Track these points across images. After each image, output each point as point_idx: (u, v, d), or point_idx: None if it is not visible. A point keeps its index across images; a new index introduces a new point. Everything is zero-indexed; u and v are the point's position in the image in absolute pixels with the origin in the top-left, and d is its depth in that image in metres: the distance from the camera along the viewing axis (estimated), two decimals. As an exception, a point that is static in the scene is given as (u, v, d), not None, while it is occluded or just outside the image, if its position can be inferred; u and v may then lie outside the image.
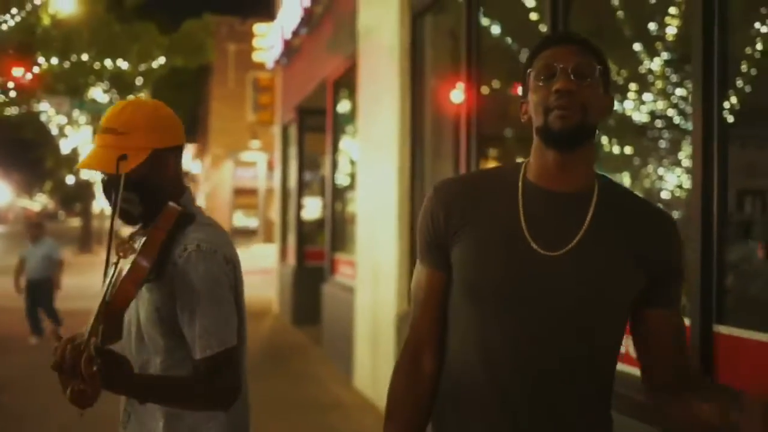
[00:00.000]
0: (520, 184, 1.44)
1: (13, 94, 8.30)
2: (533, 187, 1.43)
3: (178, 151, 1.81)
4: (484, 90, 4.92)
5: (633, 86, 4.39)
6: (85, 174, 27.08)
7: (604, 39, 4.31)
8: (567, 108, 1.35)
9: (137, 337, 1.79)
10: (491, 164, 5.83)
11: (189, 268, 1.67)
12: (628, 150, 4.71)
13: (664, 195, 4.40)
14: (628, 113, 4.49)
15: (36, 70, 8.51)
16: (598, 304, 1.38)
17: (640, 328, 1.47)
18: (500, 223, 1.41)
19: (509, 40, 4.97)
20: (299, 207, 10.82)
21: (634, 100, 4.40)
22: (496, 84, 5.29)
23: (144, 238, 1.69)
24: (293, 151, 10.99)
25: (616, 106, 4.45)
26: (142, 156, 1.72)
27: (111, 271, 1.58)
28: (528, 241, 1.38)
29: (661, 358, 1.47)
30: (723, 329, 2.58)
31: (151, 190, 1.75)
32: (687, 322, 2.67)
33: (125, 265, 1.63)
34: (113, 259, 1.62)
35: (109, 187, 1.74)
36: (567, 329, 1.37)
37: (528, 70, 1.44)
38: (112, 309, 1.55)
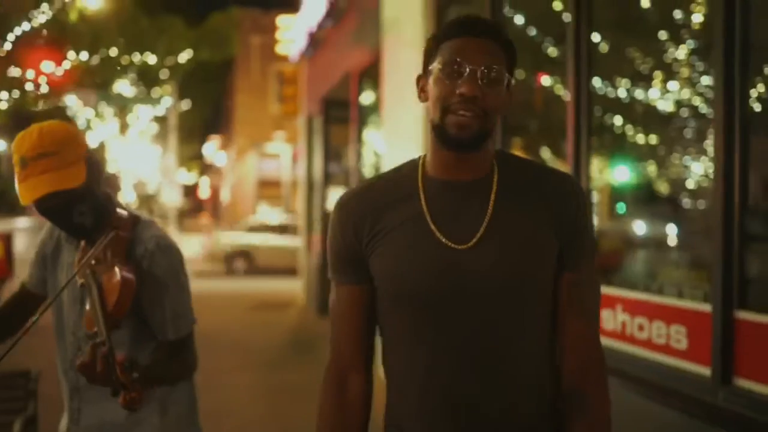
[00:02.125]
0: (419, 180, 1.41)
1: (45, 89, 8.46)
2: (433, 181, 1.40)
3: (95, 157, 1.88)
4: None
5: (658, 75, 4.39)
6: (113, 167, 27.46)
7: (628, 27, 4.31)
8: (467, 115, 1.30)
9: (90, 336, 1.86)
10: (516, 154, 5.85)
11: (154, 264, 1.85)
12: (653, 139, 4.71)
13: (690, 184, 4.40)
14: (653, 102, 4.49)
15: (67, 65, 8.68)
16: (523, 283, 1.34)
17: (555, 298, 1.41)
18: (408, 225, 1.37)
19: (533, 30, 4.99)
20: (324, 198, 10.91)
21: (659, 89, 4.40)
22: (520, 74, 5.32)
23: (101, 251, 1.77)
24: (318, 143, 11.08)
25: (642, 95, 4.46)
26: (81, 167, 1.78)
27: (85, 285, 1.72)
28: (438, 237, 1.35)
29: (566, 325, 1.39)
30: (744, 315, 2.62)
31: (96, 199, 1.83)
32: (708, 308, 2.74)
33: (90, 278, 1.72)
34: (78, 276, 1.74)
35: (62, 209, 1.78)
36: (500, 316, 1.34)
37: (434, 54, 1.36)
38: (113, 320, 1.67)
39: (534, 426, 1.39)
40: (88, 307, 1.74)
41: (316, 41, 10.34)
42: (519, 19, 4.93)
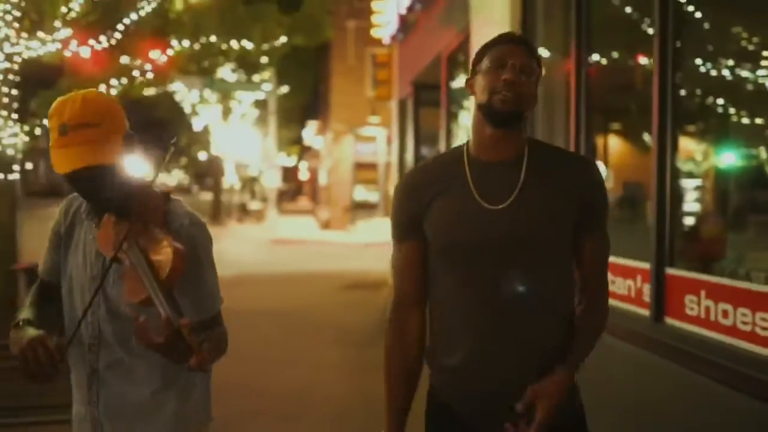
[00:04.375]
0: (465, 160, 1.80)
1: (150, 75, 8.89)
2: (476, 161, 1.79)
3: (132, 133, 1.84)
4: (603, 61, 4.83)
5: (766, 53, 4.19)
6: (217, 150, 28.51)
7: (736, 4, 4.12)
8: (510, 94, 1.70)
9: (110, 316, 1.85)
10: (613, 138, 5.73)
11: (191, 240, 1.83)
12: (759, 120, 4.50)
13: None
14: (761, 81, 4.29)
15: (170, 52, 9.09)
16: (540, 239, 1.72)
17: (575, 251, 1.80)
18: (456, 192, 1.77)
19: (628, 9, 4.84)
20: (415, 181, 10.94)
21: (767, 67, 4.20)
22: (615, 55, 5.17)
23: (140, 224, 1.74)
24: (410, 126, 11.13)
25: (748, 74, 4.26)
26: (120, 143, 1.75)
27: (131, 257, 1.69)
28: (478, 201, 1.75)
29: (586, 273, 1.81)
30: (673, 271, 3.43)
31: (128, 174, 1.80)
32: (647, 265, 3.46)
33: (134, 250, 1.69)
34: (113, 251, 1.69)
35: (94, 182, 1.73)
36: (519, 263, 1.72)
37: (482, 58, 1.78)
38: (167, 290, 1.66)
39: (548, 355, 1.74)
40: (125, 277, 1.70)
41: (406, 24, 10.37)
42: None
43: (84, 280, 1.88)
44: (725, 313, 3.08)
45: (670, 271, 3.48)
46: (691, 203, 4.24)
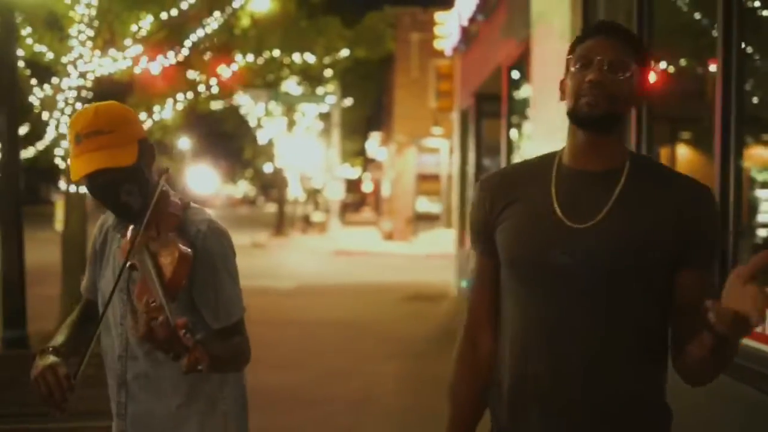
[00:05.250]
0: (555, 166, 1.57)
1: (215, 90, 9.13)
2: (566, 169, 1.56)
3: (149, 141, 1.88)
4: (669, 68, 4.71)
5: None
6: (281, 162, 28.98)
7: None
8: (596, 98, 1.47)
9: (143, 306, 1.81)
10: (682, 148, 5.57)
11: (207, 247, 1.83)
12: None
13: None
14: None
15: (234, 67, 9.32)
16: (626, 268, 1.46)
17: (673, 288, 1.50)
18: (534, 202, 1.55)
19: (693, 14, 4.71)
20: (477, 193, 10.86)
21: None
22: (682, 62, 5.03)
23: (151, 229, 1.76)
24: (471, 137, 11.08)
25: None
26: (134, 148, 1.78)
27: (136, 265, 1.71)
28: (558, 216, 1.51)
29: (687, 317, 1.46)
30: None
31: (145, 182, 1.82)
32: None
33: (144, 253, 1.71)
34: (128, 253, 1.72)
35: (110, 187, 1.77)
36: (599, 293, 1.47)
37: (572, 55, 1.55)
38: (170, 292, 1.67)
39: (621, 412, 1.49)
40: (137, 282, 1.73)
41: (468, 36, 10.35)
42: (683, 4, 4.68)
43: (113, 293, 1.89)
44: (795, 331, 2.94)
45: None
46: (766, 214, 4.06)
